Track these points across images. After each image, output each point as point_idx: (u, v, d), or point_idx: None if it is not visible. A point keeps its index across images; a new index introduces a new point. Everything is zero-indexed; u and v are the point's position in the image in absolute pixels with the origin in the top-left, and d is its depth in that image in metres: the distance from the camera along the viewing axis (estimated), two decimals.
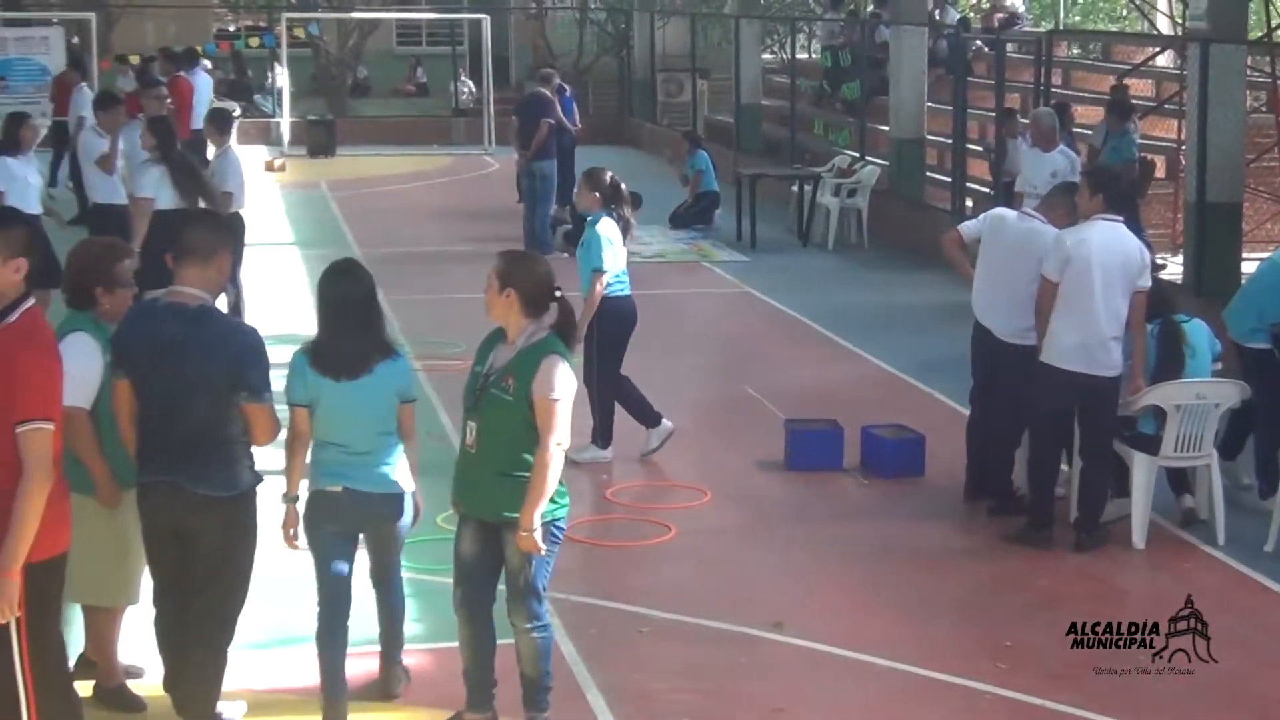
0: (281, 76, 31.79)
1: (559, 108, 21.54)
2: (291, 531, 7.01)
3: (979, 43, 24.97)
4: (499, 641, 6.99)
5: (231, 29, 43.30)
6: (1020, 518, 9.84)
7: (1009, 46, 21.33)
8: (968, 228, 10.54)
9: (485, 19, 33.29)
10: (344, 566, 7.05)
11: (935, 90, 22.78)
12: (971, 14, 33.34)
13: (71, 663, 7.26)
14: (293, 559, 8.69)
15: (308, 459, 6.97)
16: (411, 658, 7.75)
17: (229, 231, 6.76)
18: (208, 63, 27.85)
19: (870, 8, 30.35)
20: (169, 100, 18.92)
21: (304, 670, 7.65)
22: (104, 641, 7.22)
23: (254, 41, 34.22)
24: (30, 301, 5.77)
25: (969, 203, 20.20)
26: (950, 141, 21.31)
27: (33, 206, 13.33)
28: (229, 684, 6.86)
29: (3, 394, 5.50)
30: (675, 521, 9.94)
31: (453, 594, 7.00)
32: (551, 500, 6.68)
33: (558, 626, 8.12)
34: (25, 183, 13.44)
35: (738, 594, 8.86)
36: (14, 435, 5.51)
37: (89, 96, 21.99)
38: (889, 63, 22.81)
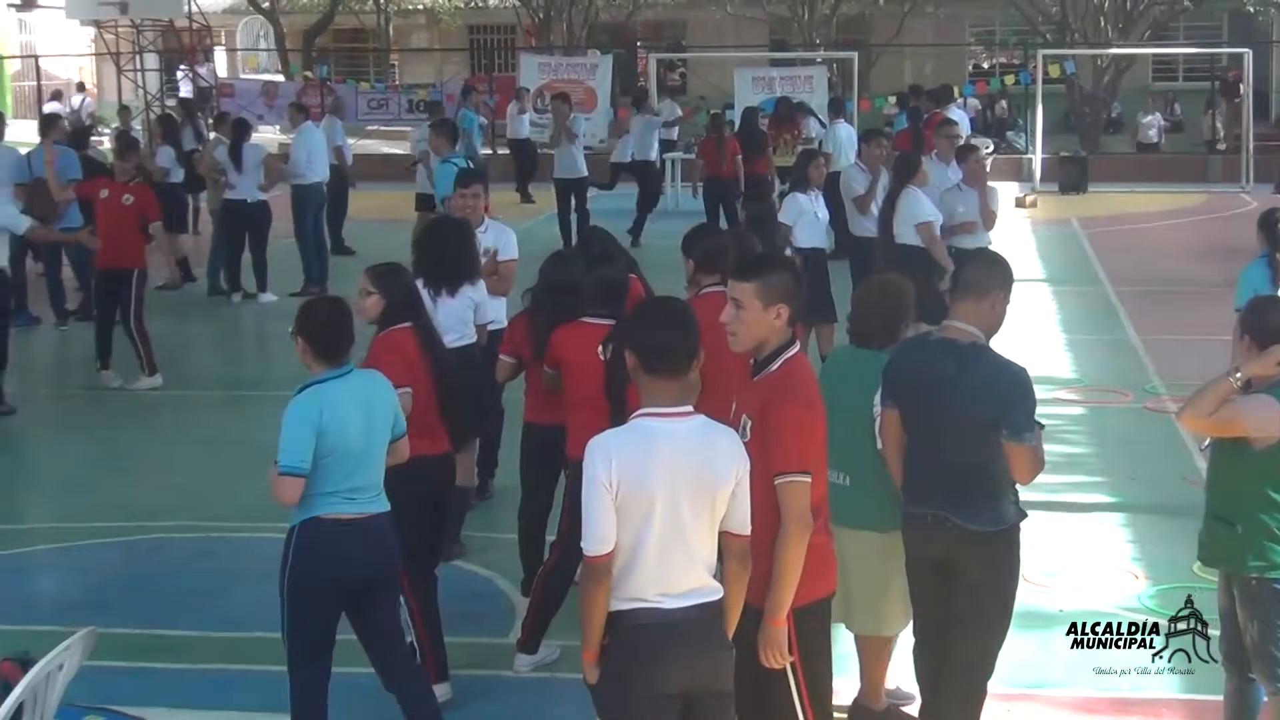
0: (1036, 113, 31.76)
1: None
2: None
3: None
4: None
5: (985, 66, 43.72)
6: None
7: None
8: None
9: (1247, 53, 32.13)
10: None
11: None
12: None
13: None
14: (1046, 598, 8.63)
15: None
16: (1168, 706, 7.68)
17: (1006, 271, 6.73)
18: (964, 101, 28.23)
19: None
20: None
21: (1051, 716, 7.65)
22: (874, 668, 7.35)
23: (1009, 79, 34.34)
24: (793, 350, 5.89)
25: None
26: None
27: (819, 240, 14.03)
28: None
29: (762, 443, 5.63)
30: None
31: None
32: None
33: None
34: (814, 217, 13.95)
35: None
36: (773, 485, 5.69)
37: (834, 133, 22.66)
38: None
